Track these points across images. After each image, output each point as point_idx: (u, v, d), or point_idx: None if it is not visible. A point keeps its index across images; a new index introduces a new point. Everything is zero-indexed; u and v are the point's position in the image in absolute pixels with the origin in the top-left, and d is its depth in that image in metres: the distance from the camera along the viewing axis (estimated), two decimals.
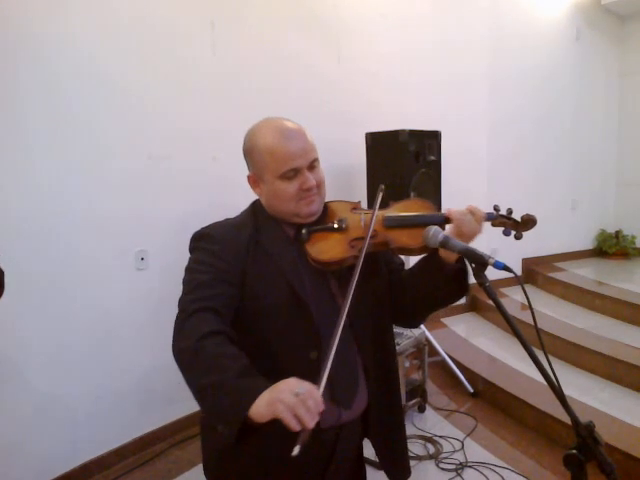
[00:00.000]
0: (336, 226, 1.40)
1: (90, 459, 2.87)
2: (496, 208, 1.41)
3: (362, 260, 1.28)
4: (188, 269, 1.36)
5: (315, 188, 1.38)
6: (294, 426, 0.99)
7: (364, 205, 1.52)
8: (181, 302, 1.29)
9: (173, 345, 1.23)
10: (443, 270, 1.34)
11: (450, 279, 1.35)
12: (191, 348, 1.17)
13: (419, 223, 1.35)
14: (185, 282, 1.33)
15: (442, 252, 1.33)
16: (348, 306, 1.21)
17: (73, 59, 2.71)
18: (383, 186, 1.47)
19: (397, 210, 1.44)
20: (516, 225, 1.41)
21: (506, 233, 1.41)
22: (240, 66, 3.42)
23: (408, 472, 1.56)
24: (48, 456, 2.70)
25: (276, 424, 1.02)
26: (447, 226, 1.37)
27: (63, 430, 2.76)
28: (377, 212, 1.39)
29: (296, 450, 0.98)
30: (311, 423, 0.99)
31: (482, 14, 5.08)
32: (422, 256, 1.42)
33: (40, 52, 2.59)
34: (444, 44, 4.75)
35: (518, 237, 1.41)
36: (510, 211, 1.42)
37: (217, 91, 3.30)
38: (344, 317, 1.20)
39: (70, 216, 2.74)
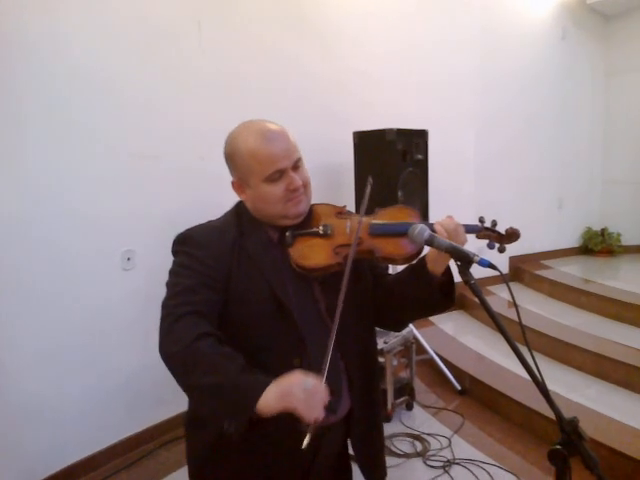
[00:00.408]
0: (321, 232, 1.39)
1: (78, 460, 2.85)
2: (481, 220, 1.42)
3: (349, 269, 1.28)
4: (172, 272, 1.34)
5: (302, 188, 1.37)
6: (307, 418, 1.07)
7: (350, 207, 1.51)
8: (165, 306, 1.28)
9: (161, 349, 1.23)
10: (430, 281, 1.33)
11: (437, 291, 1.35)
12: (184, 351, 1.17)
13: (405, 232, 1.33)
14: (169, 285, 1.32)
15: (430, 264, 1.32)
16: (339, 316, 1.23)
17: (62, 57, 2.69)
18: (371, 179, 1.45)
19: (383, 217, 1.43)
20: (500, 238, 1.41)
21: (490, 246, 1.41)
22: (227, 65, 3.41)
23: (384, 472, 1.57)
24: (35, 457, 2.68)
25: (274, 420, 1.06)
26: None
27: (51, 431, 2.74)
28: (363, 219, 1.37)
29: (306, 442, 1.06)
30: (320, 415, 1.06)
31: (469, 14, 5.10)
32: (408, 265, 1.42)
33: (29, 49, 2.57)
34: (432, 43, 4.77)
35: (501, 250, 1.41)
36: (494, 223, 1.42)
37: (205, 90, 3.29)
38: (337, 323, 1.22)
39: (56, 216, 2.72)
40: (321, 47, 4.01)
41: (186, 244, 1.36)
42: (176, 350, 1.19)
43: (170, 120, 3.13)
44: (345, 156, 3.84)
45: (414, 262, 1.38)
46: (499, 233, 1.41)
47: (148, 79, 3.04)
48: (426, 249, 1.32)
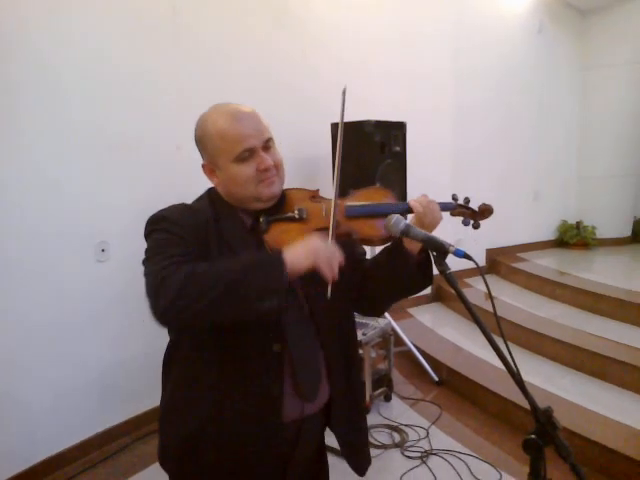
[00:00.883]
0: (297, 216, 1.35)
1: (51, 455, 2.81)
2: (454, 197, 1.42)
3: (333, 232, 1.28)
4: (149, 248, 1.27)
5: (273, 169, 1.34)
6: (329, 275, 1.17)
7: (323, 193, 1.48)
8: (149, 276, 1.18)
9: (157, 308, 1.13)
10: (407, 260, 1.33)
11: (414, 269, 1.34)
12: (182, 288, 1.10)
13: (381, 213, 1.32)
14: (147, 259, 1.24)
15: (407, 243, 1.32)
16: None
17: (28, 42, 2.62)
18: (346, 87, 1.38)
19: (358, 199, 1.41)
20: (474, 214, 1.42)
21: (465, 223, 1.42)
22: (203, 53, 3.37)
23: (369, 461, 1.56)
24: (6, 454, 2.63)
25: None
26: (409, 216, 1.36)
27: (21, 426, 2.69)
28: (337, 202, 1.33)
29: (329, 292, 1.20)
30: (337, 273, 1.18)
31: (447, 6, 5.11)
32: (385, 246, 1.41)
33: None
34: (409, 35, 4.78)
35: (476, 226, 1.42)
36: (467, 200, 1.43)
37: (180, 78, 3.24)
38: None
39: (28, 207, 2.66)
40: (301, 38, 3.98)
41: (160, 223, 1.30)
42: (174, 294, 1.10)
43: (145, 109, 3.08)
44: (322, 147, 3.82)
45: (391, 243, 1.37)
46: (473, 210, 1.42)
47: (123, 69, 2.98)
48: None
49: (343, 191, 1.39)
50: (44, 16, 2.67)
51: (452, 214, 1.43)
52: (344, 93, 1.38)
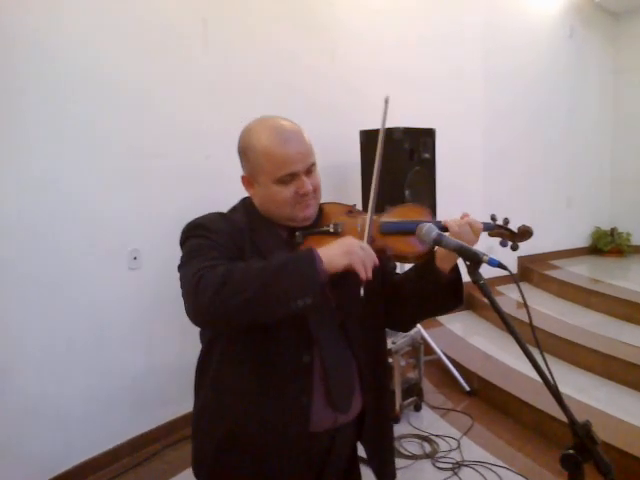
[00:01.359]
0: (332, 230, 1.37)
1: (84, 460, 2.85)
2: (493, 218, 1.39)
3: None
4: (186, 253, 1.27)
5: (312, 193, 1.35)
6: (364, 275, 1.15)
7: (359, 207, 1.49)
8: (185, 278, 1.19)
9: (194, 308, 1.14)
10: (438, 279, 1.31)
11: (445, 289, 1.33)
12: (219, 288, 1.10)
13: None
14: (184, 263, 1.25)
15: (439, 262, 1.31)
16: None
17: (68, 57, 2.68)
18: (388, 97, 1.41)
19: (393, 216, 1.41)
20: (513, 236, 1.38)
21: (503, 244, 1.38)
22: (233, 63, 3.40)
23: (394, 473, 1.55)
24: (41, 457, 2.68)
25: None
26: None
27: (56, 431, 2.73)
28: (373, 217, 1.34)
29: (362, 292, 1.19)
30: (371, 273, 1.16)
31: (477, 10, 5.07)
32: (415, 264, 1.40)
33: (36, 49, 2.57)
34: (439, 40, 4.75)
35: (514, 248, 1.38)
36: (507, 221, 1.39)
37: (210, 89, 3.28)
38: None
39: (61, 214, 2.71)
40: (328, 44, 3.99)
41: (197, 230, 1.31)
42: (210, 294, 1.10)
43: (176, 119, 3.12)
44: (351, 155, 3.82)
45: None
46: (511, 231, 1.39)
47: (154, 78, 3.03)
48: None
49: (378, 206, 1.38)
50: (85, 28, 2.73)
51: (490, 234, 1.40)
52: (387, 102, 1.40)
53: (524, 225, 1.38)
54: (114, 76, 2.86)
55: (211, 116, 3.24)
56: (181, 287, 1.19)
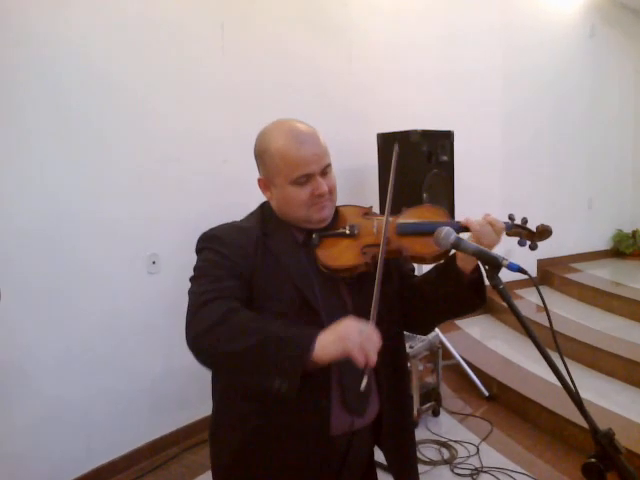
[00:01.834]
0: (348, 232, 1.37)
1: (102, 463, 2.87)
2: (511, 217, 1.37)
3: (381, 264, 1.26)
4: (198, 267, 1.32)
5: (327, 194, 1.35)
6: (362, 362, 1.06)
7: (376, 209, 1.49)
8: (191, 293, 1.26)
9: (189, 333, 1.18)
10: (460, 279, 1.30)
11: (467, 289, 1.31)
12: (216, 326, 1.13)
13: (434, 231, 1.28)
14: (195, 278, 1.30)
15: (459, 262, 1.30)
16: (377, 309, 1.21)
17: (80, 62, 2.71)
18: (397, 147, 1.41)
19: (410, 217, 1.41)
20: (531, 235, 1.37)
21: (521, 243, 1.36)
22: (250, 67, 3.41)
23: (417, 478, 1.53)
24: (60, 461, 2.70)
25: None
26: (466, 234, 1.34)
27: (75, 435, 2.76)
28: (389, 219, 1.34)
29: (364, 384, 1.08)
30: (375, 359, 1.07)
31: (495, 9, 5.03)
32: (436, 264, 1.39)
33: (43, 56, 2.61)
34: (456, 41, 4.71)
35: (533, 247, 1.37)
36: (525, 220, 1.38)
37: (227, 93, 3.29)
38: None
39: (79, 220, 2.74)
40: (345, 47, 3.98)
41: (211, 242, 1.34)
42: (206, 326, 1.14)
43: (193, 123, 3.14)
44: (369, 158, 3.81)
45: (443, 261, 1.35)
46: (530, 230, 1.37)
47: (170, 82, 3.05)
48: None
49: (396, 208, 1.38)
50: (102, 34, 2.76)
51: (508, 234, 1.38)
52: (397, 152, 1.39)
53: (543, 224, 1.37)
54: (130, 81, 2.89)
55: (228, 120, 3.25)
56: (188, 303, 1.25)
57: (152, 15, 2.96)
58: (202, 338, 1.15)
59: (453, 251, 1.30)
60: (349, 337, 1.08)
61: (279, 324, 1.17)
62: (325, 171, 1.36)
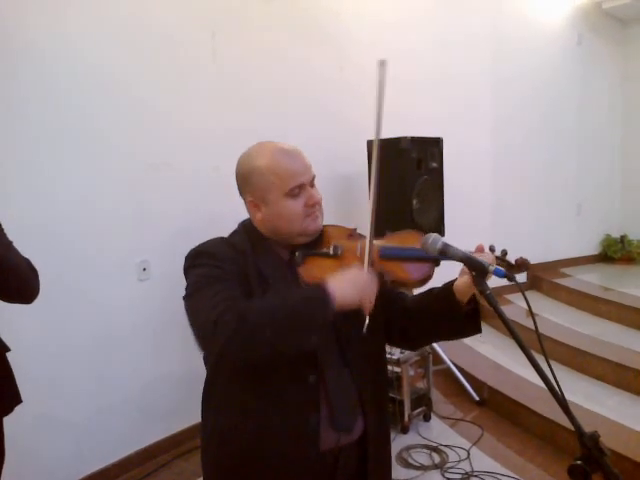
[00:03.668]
0: (331, 252, 1.38)
1: (94, 471, 2.86)
2: (492, 248, 1.38)
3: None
4: (192, 284, 1.29)
5: (318, 205, 1.38)
6: (370, 309, 1.22)
7: (360, 230, 1.47)
8: (197, 310, 1.22)
9: (212, 345, 1.17)
10: (456, 310, 1.32)
11: (463, 319, 1.33)
12: (239, 326, 1.13)
13: (416, 257, 1.31)
14: (193, 294, 1.26)
15: (457, 293, 1.31)
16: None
17: (75, 66, 2.72)
18: (383, 64, 1.33)
19: (393, 241, 1.41)
20: (510, 268, 1.38)
21: (498, 273, 1.38)
22: (241, 74, 3.42)
23: None
24: (51, 468, 2.69)
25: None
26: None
27: (65, 442, 2.74)
28: (373, 242, 1.33)
29: (365, 326, 1.25)
30: (373, 304, 1.23)
31: (484, 18, 5.08)
32: (430, 290, 1.40)
33: (41, 59, 2.61)
34: (446, 48, 4.75)
35: (510, 279, 1.37)
36: (505, 252, 1.38)
37: (218, 100, 3.30)
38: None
39: (70, 227, 2.73)
40: (335, 54, 4.00)
41: (199, 258, 1.33)
42: (230, 331, 1.13)
43: (185, 130, 3.15)
44: (358, 164, 3.82)
45: (427, 286, 1.37)
46: (509, 263, 1.38)
47: (162, 88, 3.06)
48: (437, 273, 1.32)
49: (380, 228, 1.38)
50: (95, 39, 2.76)
51: None
52: (382, 65, 1.31)
53: (521, 257, 1.37)
54: (122, 86, 2.89)
55: (220, 127, 3.26)
56: (190, 321, 1.23)
57: (148, 23, 2.98)
58: (231, 344, 1.14)
59: (450, 277, 1.33)
60: (364, 288, 1.21)
61: (285, 295, 1.23)
62: (313, 183, 1.39)
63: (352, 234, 1.46)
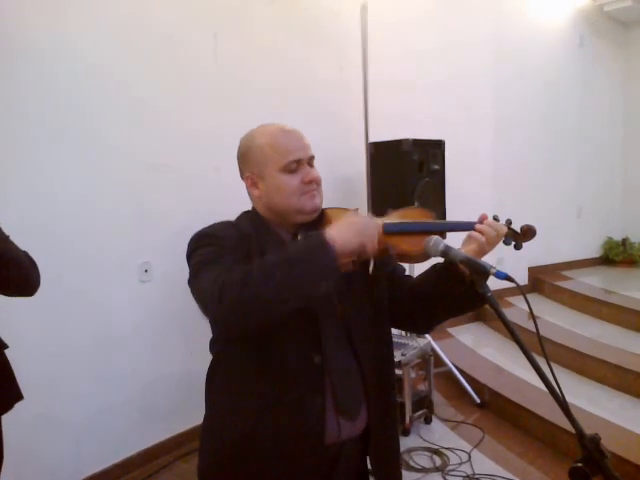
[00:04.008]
0: None
1: (95, 472, 2.85)
2: (495, 218, 1.39)
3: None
4: (198, 263, 1.27)
5: (316, 183, 1.38)
6: (373, 251, 1.23)
7: (362, 212, 1.49)
8: (204, 281, 1.19)
9: (219, 308, 1.13)
10: (462, 280, 1.30)
11: (469, 290, 1.30)
12: (242, 282, 1.11)
13: (420, 230, 1.34)
14: (199, 272, 1.24)
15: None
16: None
17: (75, 66, 2.72)
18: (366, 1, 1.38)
19: (396, 218, 1.42)
20: (516, 236, 1.39)
21: (507, 242, 1.39)
22: (242, 75, 3.42)
23: None
24: (52, 469, 2.68)
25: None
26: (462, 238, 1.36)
27: (65, 443, 2.74)
28: (376, 219, 1.36)
29: (371, 268, 1.28)
30: (376, 245, 1.24)
31: (487, 19, 5.08)
32: (434, 265, 1.41)
33: (41, 59, 2.62)
34: (448, 49, 4.74)
35: (518, 247, 1.39)
36: (509, 221, 1.40)
37: (219, 101, 3.30)
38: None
39: (70, 227, 2.73)
40: (335, 54, 4.00)
41: (203, 239, 1.33)
42: (237, 289, 1.11)
43: (185, 130, 3.15)
44: (358, 166, 3.82)
45: (432, 260, 1.36)
46: (514, 231, 1.39)
47: (162, 88, 3.06)
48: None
49: (381, 211, 1.41)
50: (96, 39, 2.77)
51: None
52: (365, 9, 1.39)
53: (527, 224, 1.39)
54: (122, 86, 2.90)
55: (220, 127, 3.25)
56: (197, 299, 1.20)
57: (148, 23, 2.98)
58: (239, 304, 1.12)
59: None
60: (363, 230, 1.22)
61: (285, 249, 1.23)
62: (311, 163, 1.40)
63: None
